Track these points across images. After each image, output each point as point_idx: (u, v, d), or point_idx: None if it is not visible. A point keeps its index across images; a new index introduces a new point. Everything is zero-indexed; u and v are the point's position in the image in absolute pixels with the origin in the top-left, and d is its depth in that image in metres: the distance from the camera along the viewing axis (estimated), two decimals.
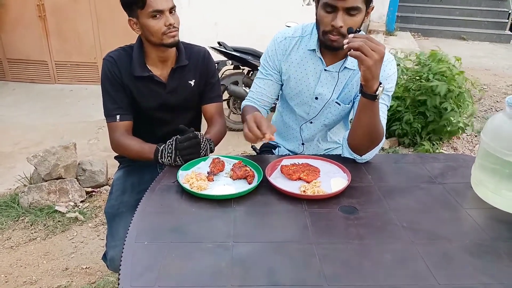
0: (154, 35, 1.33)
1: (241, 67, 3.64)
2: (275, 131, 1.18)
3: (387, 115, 1.40)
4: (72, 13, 4.64)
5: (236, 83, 3.58)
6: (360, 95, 1.15)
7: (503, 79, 5.05)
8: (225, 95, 3.66)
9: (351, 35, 1.07)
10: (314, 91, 1.38)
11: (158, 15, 1.30)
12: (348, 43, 1.05)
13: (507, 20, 7.13)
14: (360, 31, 1.16)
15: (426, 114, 3.03)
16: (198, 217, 0.99)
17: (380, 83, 1.11)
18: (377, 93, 1.10)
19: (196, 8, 5.52)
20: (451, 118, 2.96)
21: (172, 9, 1.33)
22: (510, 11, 7.12)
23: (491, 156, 1.04)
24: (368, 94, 1.11)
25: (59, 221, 2.29)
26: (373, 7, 1.24)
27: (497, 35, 7.04)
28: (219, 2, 5.50)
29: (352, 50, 1.05)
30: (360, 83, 1.12)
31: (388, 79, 1.30)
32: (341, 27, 1.17)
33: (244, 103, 1.50)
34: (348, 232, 0.95)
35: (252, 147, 1.58)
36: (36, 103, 4.28)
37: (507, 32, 7.11)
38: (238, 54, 3.45)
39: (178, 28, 1.37)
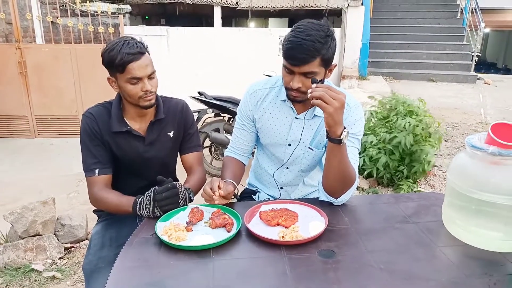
0: (131, 98, 1.38)
1: (222, 115, 3.74)
2: (228, 190, 1.27)
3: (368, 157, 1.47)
4: (53, 69, 4.74)
5: (217, 130, 3.65)
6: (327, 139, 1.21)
7: (472, 117, 5.30)
8: (207, 142, 3.72)
9: (313, 85, 1.15)
10: (287, 138, 1.45)
11: (136, 81, 1.35)
12: (311, 92, 1.13)
13: (471, 62, 7.60)
14: (323, 81, 1.25)
15: (401, 154, 3.13)
16: (176, 269, 0.98)
17: (345, 128, 1.17)
18: (341, 137, 1.17)
19: (177, 60, 5.72)
20: (424, 156, 3.06)
21: (151, 74, 1.38)
22: (473, 54, 7.62)
23: (458, 193, 1.09)
24: (334, 138, 1.18)
25: (35, 281, 2.19)
26: (335, 65, 1.34)
27: (464, 76, 7.47)
28: (199, 53, 5.73)
29: (314, 99, 1.12)
30: (326, 129, 1.19)
31: (356, 123, 1.37)
32: (298, 88, 1.26)
33: (225, 153, 1.60)
34: (327, 277, 0.96)
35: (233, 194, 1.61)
36: (15, 158, 4.23)
37: (472, 73, 7.56)
38: (218, 103, 3.55)
39: (156, 91, 1.42)
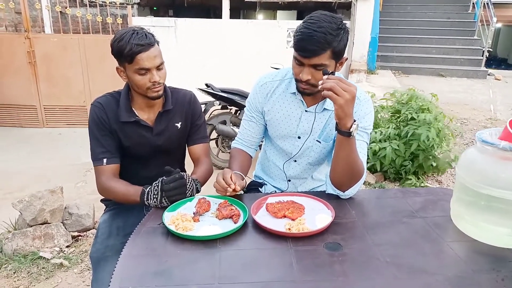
0: (139, 88, 1.38)
1: (229, 107, 3.73)
2: (242, 185, 1.29)
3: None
4: (61, 59, 4.76)
5: (224, 122, 3.65)
6: (336, 132, 1.20)
7: (482, 113, 5.23)
8: (214, 135, 3.72)
9: (325, 77, 1.14)
10: (296, 131, 1.44)
11: (144, 72, 1.35)
12: (322, 83, 1.12)
13: (481, 57, 7.49)
14: (334, 73, 1.24)
15: (412, 151, 3.10)
16: (183, 259, 0.99)
17: (354, 121, 1.16)
18: (351, 130, 1.16)
19: (184, 52, 5.71)
20: (436, 153, 3.04)
21: (160, 65, 1.37)
22: (484, 49, 7.50)
23: (467, 189, 1.08)
24: (343, 131, 1.17)
25: (43, 268, 2.22)
26: (346, 58, 1.32)
27: (474, 71, 7.36)
28: (207, 45, 5.71)
29: (325, 90, 1.11)
30: (336, 121, 1.18)
31: (366, 117, 1.36)
32: (308, 80, 1.25)
33: (233, 144, 1.59)
34: (333, 269, 0.96)
35: None
36: (23, 147, 4.27)
37: (483, 68, 7.45)
38: (225, 95, 3.54)
39: (164, 82, 1.42)
